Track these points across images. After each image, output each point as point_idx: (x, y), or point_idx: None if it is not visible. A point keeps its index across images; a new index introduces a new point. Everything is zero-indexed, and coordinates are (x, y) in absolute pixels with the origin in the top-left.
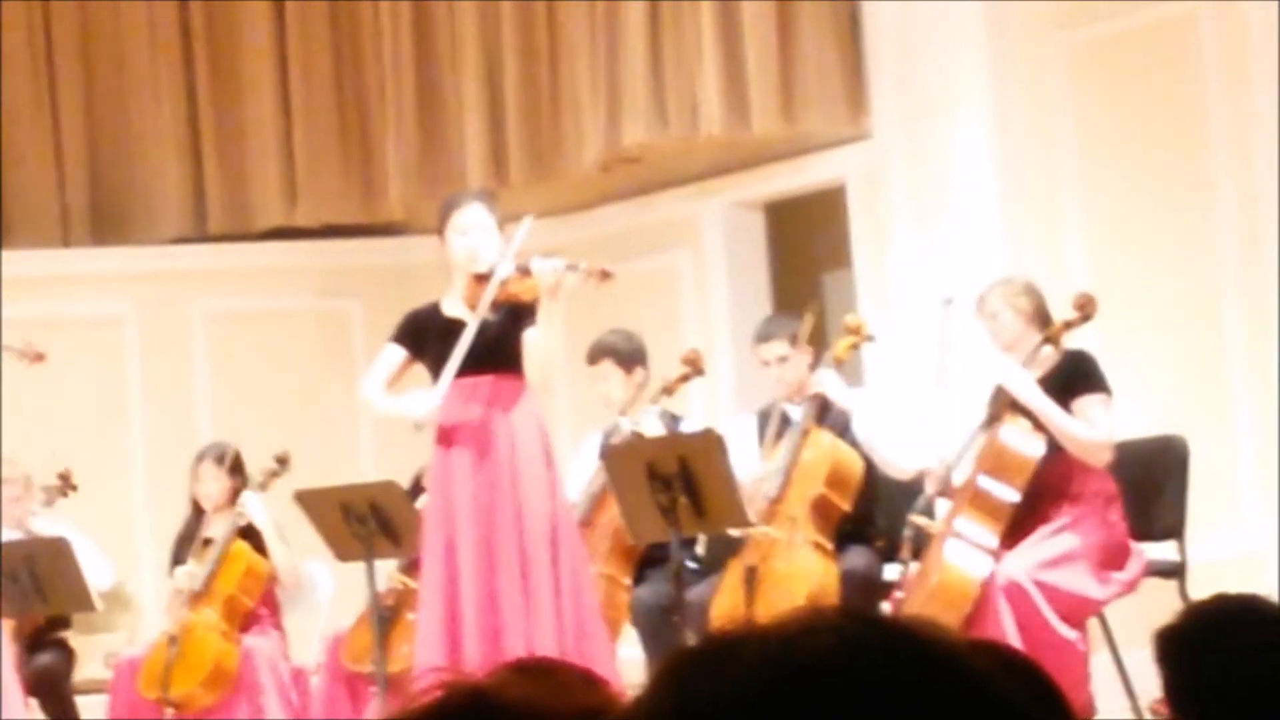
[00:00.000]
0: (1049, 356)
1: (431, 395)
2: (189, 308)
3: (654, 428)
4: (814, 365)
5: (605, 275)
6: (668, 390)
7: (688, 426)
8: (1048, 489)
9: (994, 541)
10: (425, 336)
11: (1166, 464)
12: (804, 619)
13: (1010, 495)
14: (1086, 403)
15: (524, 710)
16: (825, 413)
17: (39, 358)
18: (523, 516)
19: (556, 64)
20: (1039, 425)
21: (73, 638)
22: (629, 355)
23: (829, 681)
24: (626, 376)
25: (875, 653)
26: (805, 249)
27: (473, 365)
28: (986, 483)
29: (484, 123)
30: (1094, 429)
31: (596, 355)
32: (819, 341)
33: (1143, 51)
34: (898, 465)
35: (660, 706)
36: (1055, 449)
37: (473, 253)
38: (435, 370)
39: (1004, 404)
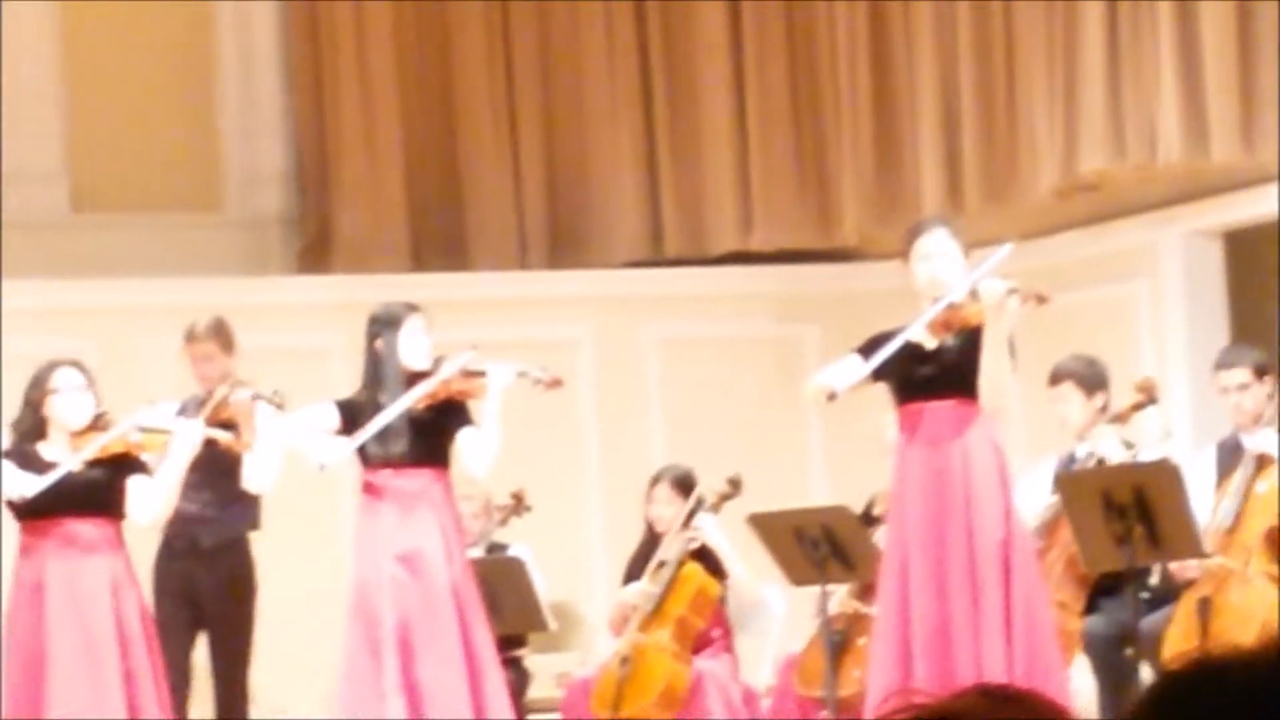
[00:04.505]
0: None
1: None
2: (644, 331)
3: (1114, 450)
4: (1273, 395)
5: (1042, 299)
6: (1121, 418)
7: (1144, 456)
8: None
9: None
10: (887, 358)
11: None
12: None
13: None
14: None
15: None
16: None
17: (556, 383)
18: (974, 539)
19: (1013, 91)
20: None
21: (528, 657)
22: (1091, 379)
23: None
24: (1086, 400)
25: None
26: (1265, 279)
27: (929, 390)
28: None
29: (940, 150)
30: None
31: (1058, 377)
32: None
33: None
34: None
35: None
36: None
37: (934, 278)
38: (895, 393)
39: None
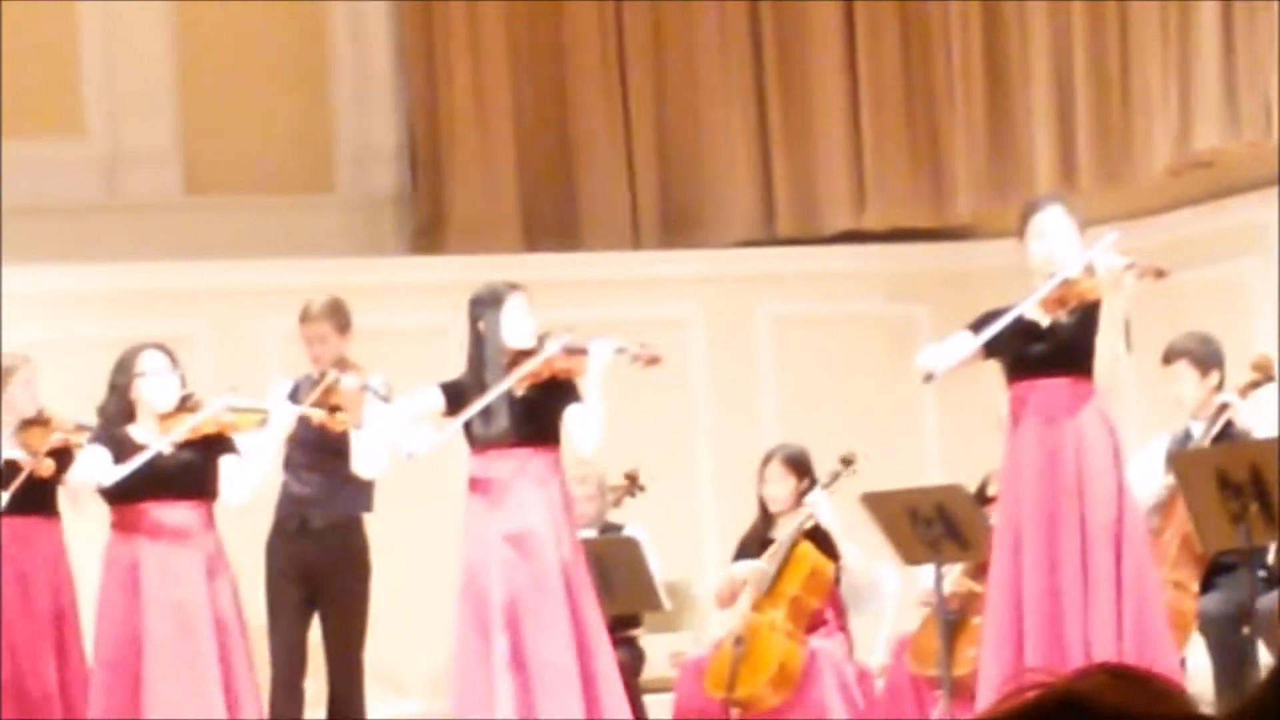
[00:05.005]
0: None
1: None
2: (756, 310)
3: (1248, 414)
4: None
5: (1160, 274)
6: (1238, 395)
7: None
8: None
9: None
10: (1000, 334)
11: None
12: None
13: None
14: None
15: (1117, 716)
16: None
17: (654, 360)
18: (1086, 518)
19: (1127, 68)
20: None
21: (642, 636)
22: (1205, 358)
23: None
24: (1201, 379)
25: None
26: None
27: (1043, 368)
28: None
29: (1054, 128)
30: None
31: (1172, 356)
32: None
33: None
34: None
35: (1269, 712)
36: None
37: (1049, 256)
38: (1008, 370)
39: None
